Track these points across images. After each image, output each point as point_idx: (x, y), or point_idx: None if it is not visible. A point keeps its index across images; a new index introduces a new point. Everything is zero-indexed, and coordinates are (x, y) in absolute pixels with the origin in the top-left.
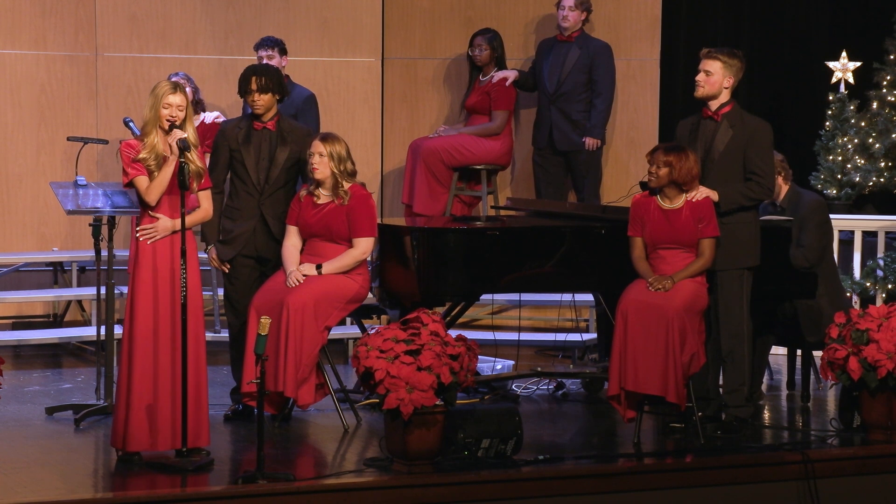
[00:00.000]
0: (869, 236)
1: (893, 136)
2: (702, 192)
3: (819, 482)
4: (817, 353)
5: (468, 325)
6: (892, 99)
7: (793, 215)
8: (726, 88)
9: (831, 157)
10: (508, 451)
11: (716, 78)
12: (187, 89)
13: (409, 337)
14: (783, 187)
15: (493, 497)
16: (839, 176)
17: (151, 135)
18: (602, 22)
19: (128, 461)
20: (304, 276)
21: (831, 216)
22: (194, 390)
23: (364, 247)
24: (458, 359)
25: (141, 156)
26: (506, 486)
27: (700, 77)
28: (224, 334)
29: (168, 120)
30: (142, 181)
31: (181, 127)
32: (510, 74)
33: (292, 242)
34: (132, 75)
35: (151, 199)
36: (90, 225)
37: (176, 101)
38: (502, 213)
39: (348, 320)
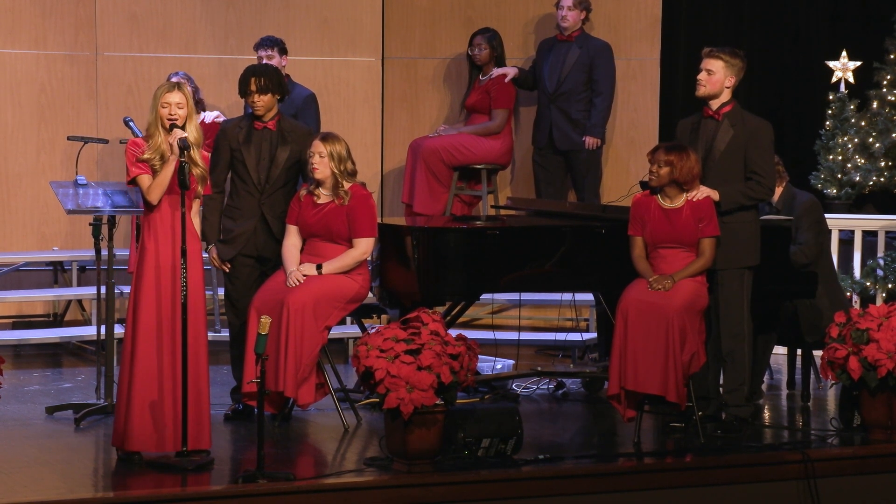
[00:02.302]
0: (869, 236)
1: (893, 135)
2: (702, 192)
3: (819, 482)
4: (817, 353)
5: (468, 325)
6: (893, 98)
7: (788, 215)
8: (728, 88)
9: (831, 157)
10: (508, 450)
11: (717, 77)
12: (187, 88)
13: (409, 336)
14: (777, 188)
15: (493, 497)
16: (839, 175)
17: (155, 136)
18: (602, 21)
19: (128, 461)
20: (304, 275)
21: (831, 216)
22: (195, 392)
23: (364, 247)
24: (459, 358)
25: (145, 156)
26: (506, 485)
27: (702, 76)
28: (224, 334)
29: (168, 119)
30: (144, 180)
31: (183, 126)
32: (510, 71)
33: (292, 242)
34: (132, 75)
35: (153, 198)
36: (90, 224)
37: (174, 100)
38: (502, 212)
39: (348, 320)
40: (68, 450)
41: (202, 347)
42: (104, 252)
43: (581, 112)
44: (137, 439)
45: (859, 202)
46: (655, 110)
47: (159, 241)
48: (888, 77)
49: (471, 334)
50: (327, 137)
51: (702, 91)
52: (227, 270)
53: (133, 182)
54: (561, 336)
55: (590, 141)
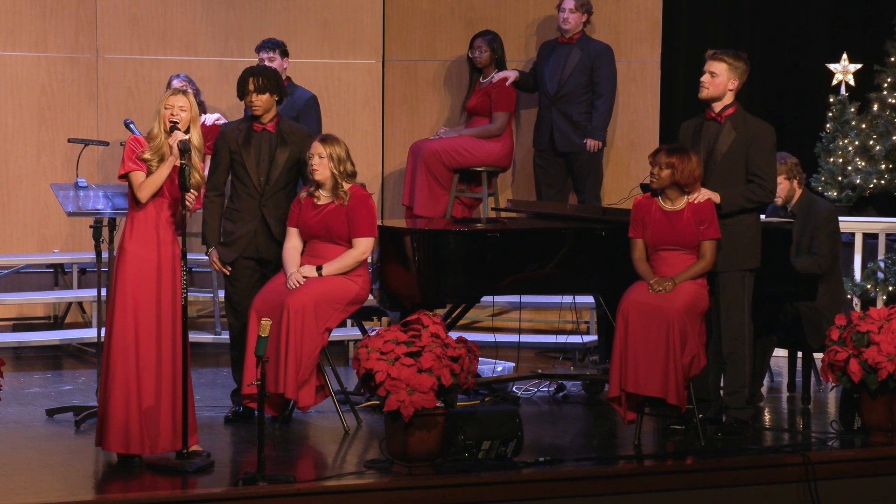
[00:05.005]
0: (869, 238)
1: (894, 138)
2: (703, 194)
3: (819, 484)
4: (818, 355)
5: (469, 327)
6: (893, 101)
7: (803, 221)
8: (731, 90)
9: (832, 159)
10: (509, 452)
11: (721, 79)
12: (192, 96)
13: (409, 339)
14: (796, 191)
15: (493, 499)
16: (840, 178)
17: (157, 138)
18: (603, 24)
19: (128, 463)
20: (304, 277)
21: None
22: (177, 393)
23: (364, 247)
24: (459, 360)
25: (145, 156)
26: (506, 488)
27: (705, 78)
28: (224, 336)
29: (170, 121)
30: (137, 176)
31: (187, 130)
32: (510, 75)
33: (293, 244)
34: (133, 77)
35: (143, 195)
36: (91, 227)
37: (178, 103)
38: (503, 214)
39: (349, 322)
40: (68, 452)
41: (185, 349)
42: (105, 254)
43: (582, 114)
44: (114, 440)
45: (860, 205)
46: (656, 112)
47: (140, 243)
48: (888, 80)
49: (471, 336)
50: (326, 139)
51: (705, 93)
52: (228, 273)
53: (125, 177)
54: (561, 338)
55: (591, 143)
